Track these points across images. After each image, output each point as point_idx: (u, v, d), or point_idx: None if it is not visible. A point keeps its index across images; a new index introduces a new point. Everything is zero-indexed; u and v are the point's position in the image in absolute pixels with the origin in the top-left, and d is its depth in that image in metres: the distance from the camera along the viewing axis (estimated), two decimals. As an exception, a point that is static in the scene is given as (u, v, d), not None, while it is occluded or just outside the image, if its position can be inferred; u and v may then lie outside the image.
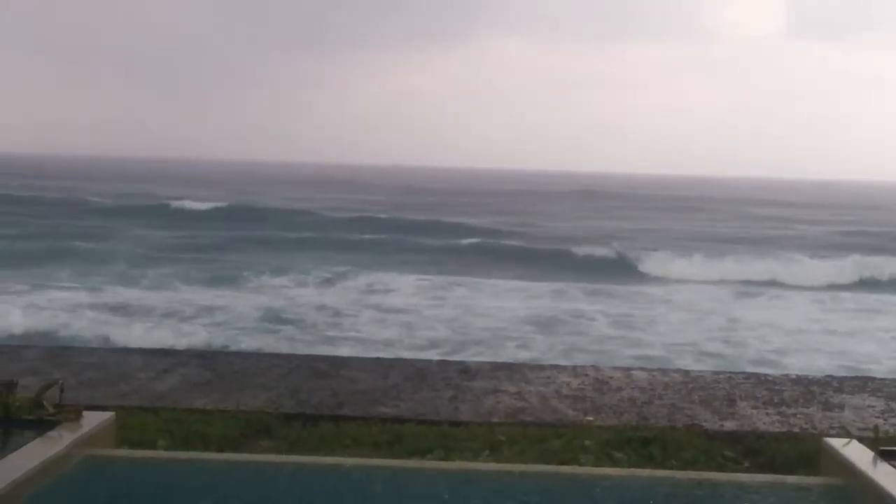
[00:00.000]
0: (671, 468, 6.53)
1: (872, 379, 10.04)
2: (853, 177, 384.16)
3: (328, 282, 30.53)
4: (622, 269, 37.88)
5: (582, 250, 42.10)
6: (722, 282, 34.45)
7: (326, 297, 26.90)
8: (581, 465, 6.51)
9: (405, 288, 29.34)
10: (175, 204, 60.94)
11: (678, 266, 37.96)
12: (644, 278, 35.43)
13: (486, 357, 17.37)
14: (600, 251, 41.82)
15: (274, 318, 22.73)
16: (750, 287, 32.88)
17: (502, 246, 44.82)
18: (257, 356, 10.77)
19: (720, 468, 6.72)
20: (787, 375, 10.24)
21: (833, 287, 33.78)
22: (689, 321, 24.26)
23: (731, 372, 10.78)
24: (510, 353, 18.92)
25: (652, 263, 38.58)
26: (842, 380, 9.90)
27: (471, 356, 17.47)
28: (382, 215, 59.04)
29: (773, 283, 34.35)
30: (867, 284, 35.24)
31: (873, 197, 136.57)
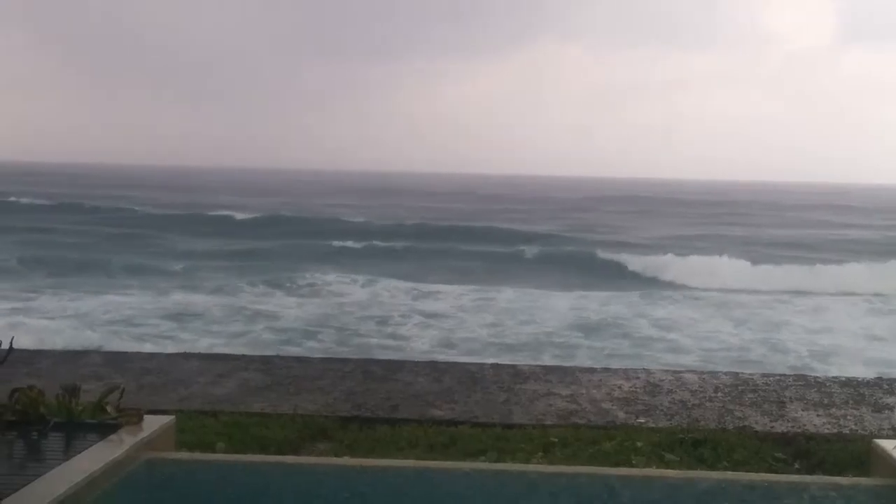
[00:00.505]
0: (722, 470, 6.59)
1: (923, 381, 9.98)
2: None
3: (374, 288, 30.59)
4: (671, 275, 37.64)
5: (631, 257, 41.88)
6: (771, 288, 34.11)
7: (374, 303, 27.01)
8: (633, 466, 6.58)
9: (454, 293, 29.34)
10: (226, 213, 61.55)
11: (727, 271, 37.65)
12: (692, 285, 35.09)
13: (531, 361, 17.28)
14: (649, 257, 41.56)
15: (322, 324, 22.85)
16: (799, 292, 32.56)
17: (549, 252, 44.62)
18: (313, 361, 10.87)
19: (771, 470, 6.76)
20: (836, 378, 10.23)
21: (882, 293, 33.30)
22: (735, 326, 24.08)
23: (780, 374, 10.76)
24: (556, 360, 18.82)
25: (701, 269, 38.23)
26: (891, 381, 9.86)
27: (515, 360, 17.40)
28: (440, 223, 59.06)
29: (821, 289, 33.97)
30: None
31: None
